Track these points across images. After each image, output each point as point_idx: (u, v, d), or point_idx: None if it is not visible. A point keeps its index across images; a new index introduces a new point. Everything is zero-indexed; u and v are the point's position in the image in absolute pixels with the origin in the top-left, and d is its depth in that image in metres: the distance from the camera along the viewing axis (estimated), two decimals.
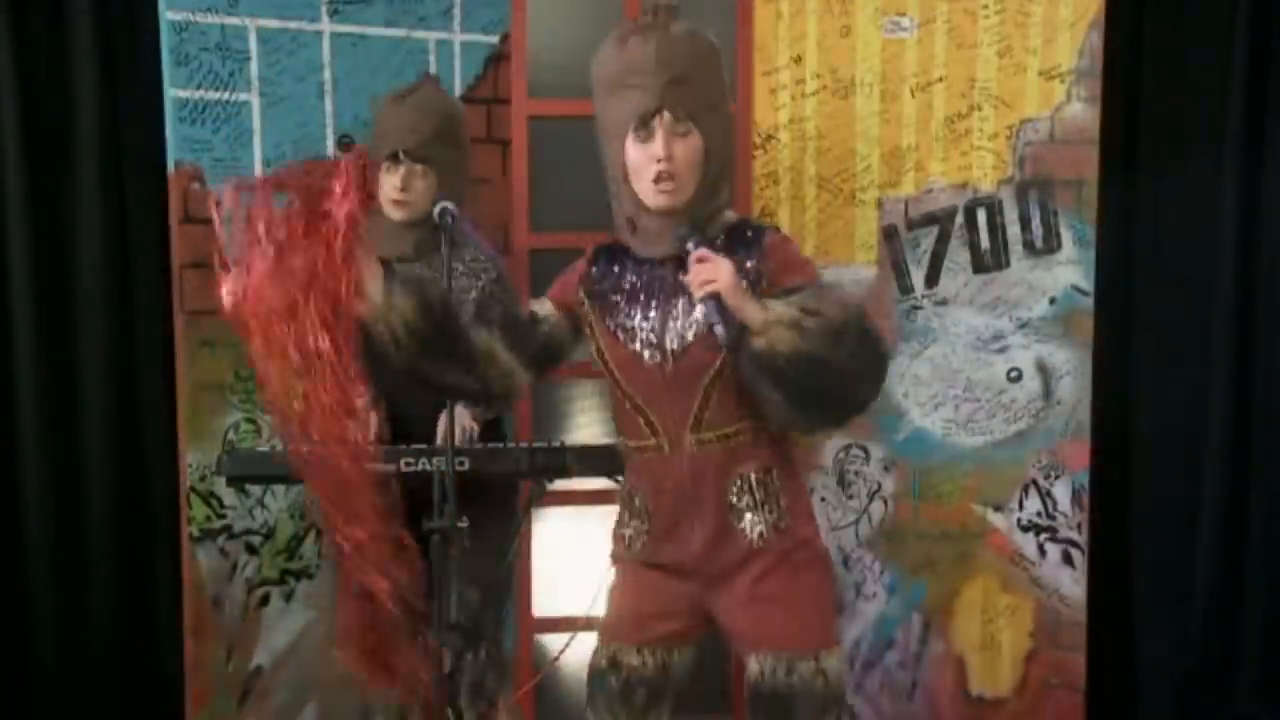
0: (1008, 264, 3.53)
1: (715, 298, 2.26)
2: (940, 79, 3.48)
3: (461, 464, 2.73)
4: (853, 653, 3.54)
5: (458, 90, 3.52)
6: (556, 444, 3.00)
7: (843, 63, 3.48)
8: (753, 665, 2.41)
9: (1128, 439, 3.83)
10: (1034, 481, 3.56)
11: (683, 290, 2.36)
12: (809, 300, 2.26)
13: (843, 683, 2.45)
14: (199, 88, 3.37)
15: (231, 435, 3.45)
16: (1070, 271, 3.52)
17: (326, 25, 3.47)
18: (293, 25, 3.44)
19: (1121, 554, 3.84)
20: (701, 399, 2.39)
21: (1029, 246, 3.53)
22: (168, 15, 3.33)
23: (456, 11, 3.55)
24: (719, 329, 2.26)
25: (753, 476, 2.42)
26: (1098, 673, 3.68)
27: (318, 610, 3.48)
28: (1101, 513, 3.67)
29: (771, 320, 2.23)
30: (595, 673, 2.53)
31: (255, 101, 3.42)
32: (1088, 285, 3.53)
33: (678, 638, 2.50)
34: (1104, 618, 3.71)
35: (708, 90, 2.40)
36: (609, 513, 3.48)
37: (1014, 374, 3.55)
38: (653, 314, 2.42)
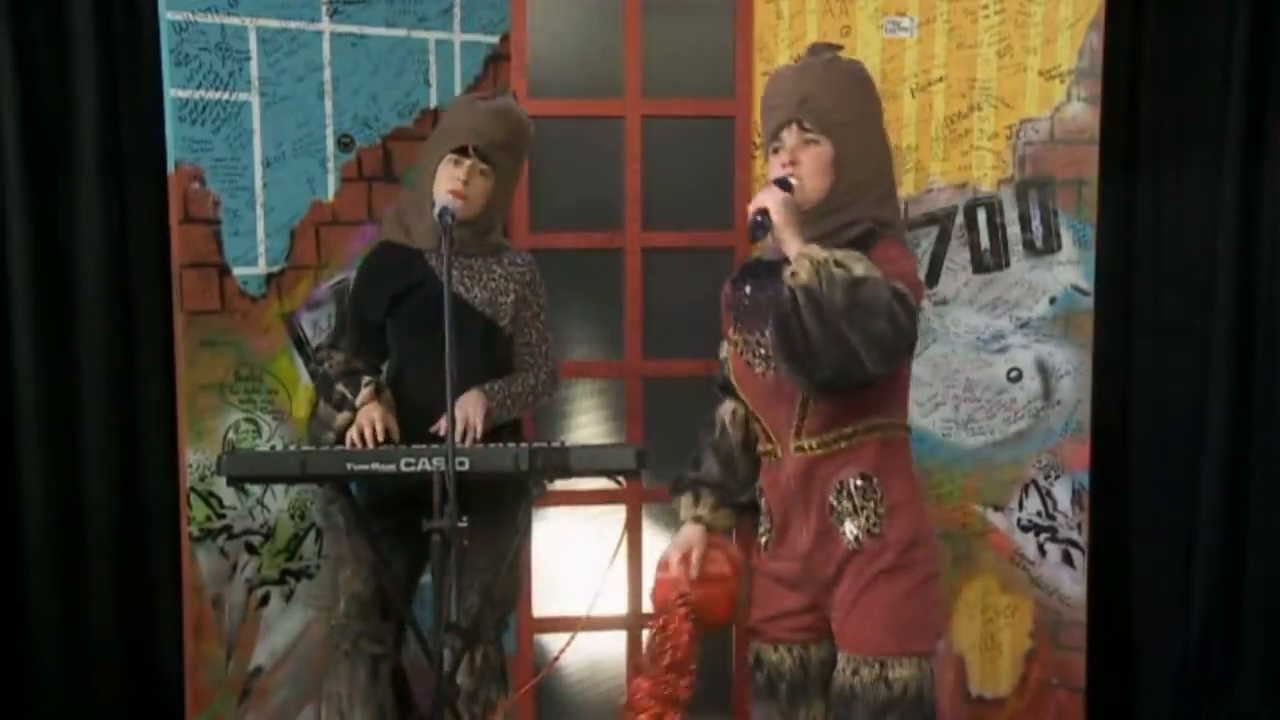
0: (1008, 264, 3.53)
1: (764, 213, 2.39)
2: (940, 79, 3.48)
3: (461, 464, 2.73)
4: None
5: (457, 90, 3.52)
6: (556, 444, 2.99)
7: None
8: (838, 662, 2.50)
9: (1128, 439, 3.83)
10: (1034, 481, 3.56)
11: None
12: (849, 256, 2.33)
13: (916, 694, 2.45)
14: (199, 88, 3.37)
15: (231, 435, 3.45)
16: (1070, 271, 3.52)
17: (326, 25, 3.47)
18: (293, 25, 3.44)
19: (1121, 554, 3.84)
20: (801, 406, 2.49)
21: (1029, 246, 3.53)
22: (168, 15, 3.33)
23: (456, 11, 3.56)
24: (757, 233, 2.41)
25: (853, 483, 2.48)
26: (1098, 673, 3.68)
27: (317, 610, 3.48)
28: (1101, 513, 3.67)
29: (803, 253, 2.33)
30: (749, 669, 2.67)
31: (255, 101, 3.42)
32: (1088, 285, 3.53)
33: (809, 633, 2.58)
34: (1104, 618, 3.71)
35: (842, 106, 2.53)
36: (609, 512, 3.51)
37: (1014, 374, 3.55)
38: (764, 325, 2.48)
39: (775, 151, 2.54)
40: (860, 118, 2.57)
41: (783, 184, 2.48)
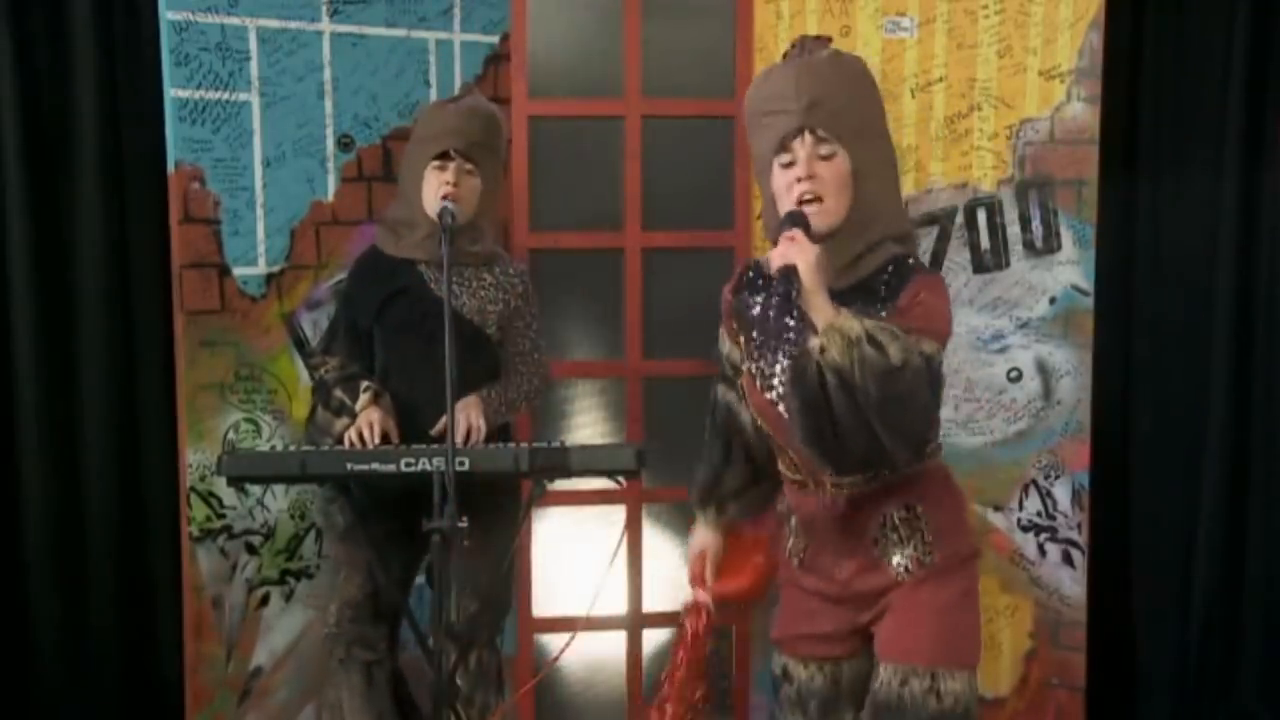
0: (1008, 264, 3.53)
1: (792, 272, 2.14)
2: (940, 79, 3.48)
3: (461, 464, 2.73)
4: None
5: (457, 90, 3.52)
6: (556, 444, 2.99)
7: None
8: (879, 673, 2.35)
9: (1128, 439, 3.83)
10: (1034, 481, 3.56)
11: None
12: (883, 332, 2.10)
13: (965, 712, 2.31)
14: (199, 88, 3.37)
15: (231, 435, 3.45)
16: (1070, 271, 3.52)
17: (326, 25, 3.47)
18: (293, 25, 3.44)
19: (1121, 554, 3.84)
20: None
21: (1029, 246, 3.53)
22: (168, 15, 3.33)
23: (456, 11, 3.56)
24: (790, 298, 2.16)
25: (896, 516, 2.34)
26: (1098, 673, 3.68)
27: (317, 610, 3.48)
28: (1101, 513, 3.67)
29: (836, 325, 2.10)
30: (775, 678, 2.56)
31: (255, 101, 3.42)
32: (1088, 285, 3.53)
33: (844, 650, 2.45)
34: (1104, 618, 3.71)
35: (855, 112, 2.30)
36: (609, 513, 3.51)
37: (1014, 374, 3.55)
38: (783, 357, 2.30)
39: (785, 166, 2.28)
40: (872, 121, 2.35)
41: (800, 219, 2.22)
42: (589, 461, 2.95)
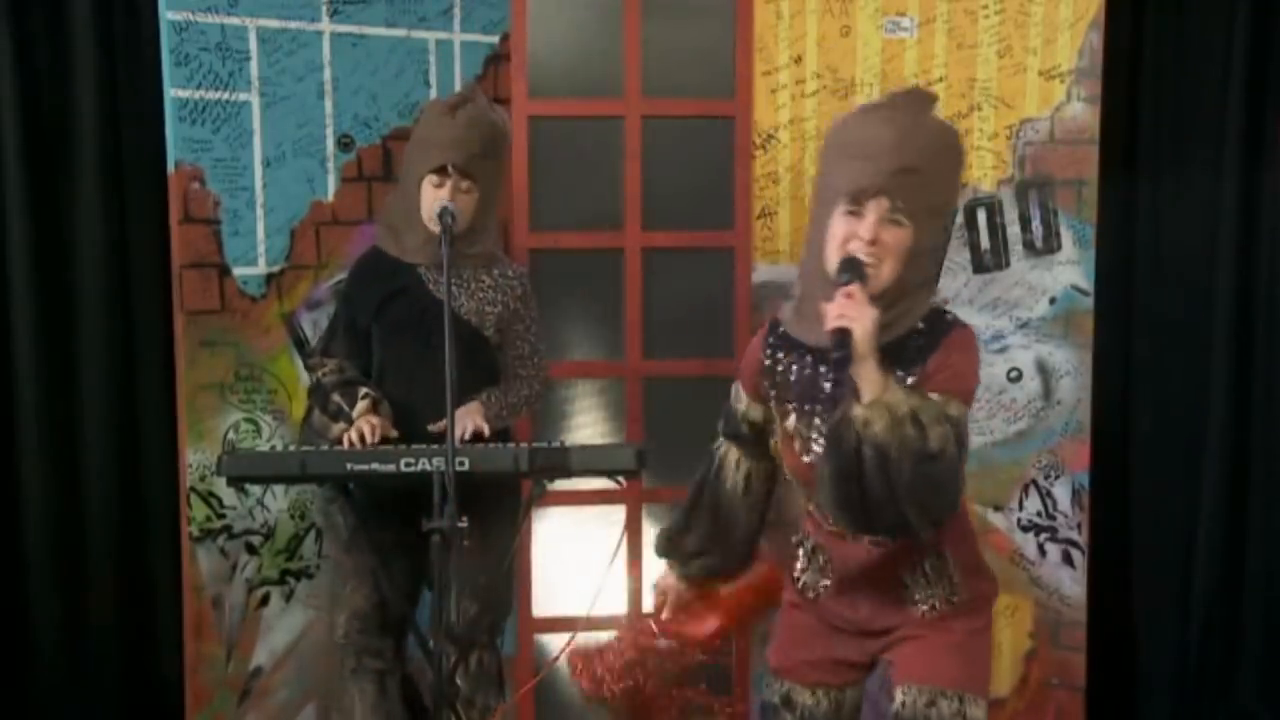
0: (1008, 264, 3.53)
1: (845, 334, 2.09)
2: (940, 79, 3.48)
3: (461, 464, 2.73)
4: None
5: (458, 88, 3.52)
6: (556, 444, 2.99)
7: (843, 63, 3.48)
8: (898, 696, 2.31)
9: (1128, 439, 3.83)
10: (1034, 481, 3.56)
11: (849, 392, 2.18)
12: (927, 414, 2.09)
13: None
14: (199, 88, 3.37)
15: (231, 435, 3.45)
16: (1070, 271, 3.52)
17: (326, 25, 3.47)
18: (293, 25, 3.44)
19: (1121, 554, 3.84)
20: None
21: (1029, 246, 3.53)
22: (168, 15, 3.33)
23: (456, 11, 3.56)
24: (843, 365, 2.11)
25: (925, 564, 2.33)
26: (1098, 673, 3.68)
27: (317, 610, 3.48)
28: (1101, 513, 3.67)
29: (884, 401, 2.08)
30: (768, 708, 2.51)
31: (255, 101, 3.42)
32: (1088, 285, 3.53)
33: (851, 679, 2.45)
34: (1104, 618, 3.71)
35: (937, 190, 2.25)
36: (609, 513, 3.51)
37: (1014, 374, 3.55)
38: (818, 421, 2.27)
39: (850, 215, 2.20)
40: (949, 200, 2.31)
41: (858, 268, 2.16)
42: (589, 461, 2.95)
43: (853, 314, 2.10)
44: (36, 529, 3.54)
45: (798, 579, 2.47)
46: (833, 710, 2.46)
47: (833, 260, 2.21)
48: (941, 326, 2.26)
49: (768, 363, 2.38)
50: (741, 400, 2.47)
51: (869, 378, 2.10)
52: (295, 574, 3.52)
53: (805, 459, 2.31)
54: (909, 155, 2.18)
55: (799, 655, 2.48)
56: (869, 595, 2.37)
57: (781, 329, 2.38)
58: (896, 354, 2.21)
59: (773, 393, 2.38)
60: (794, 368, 2.33)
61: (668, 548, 2.61)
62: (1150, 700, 3.84)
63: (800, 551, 2.47)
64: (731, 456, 2.52)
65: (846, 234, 2.20)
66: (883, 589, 2.36)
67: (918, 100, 2.28)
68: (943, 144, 2.27)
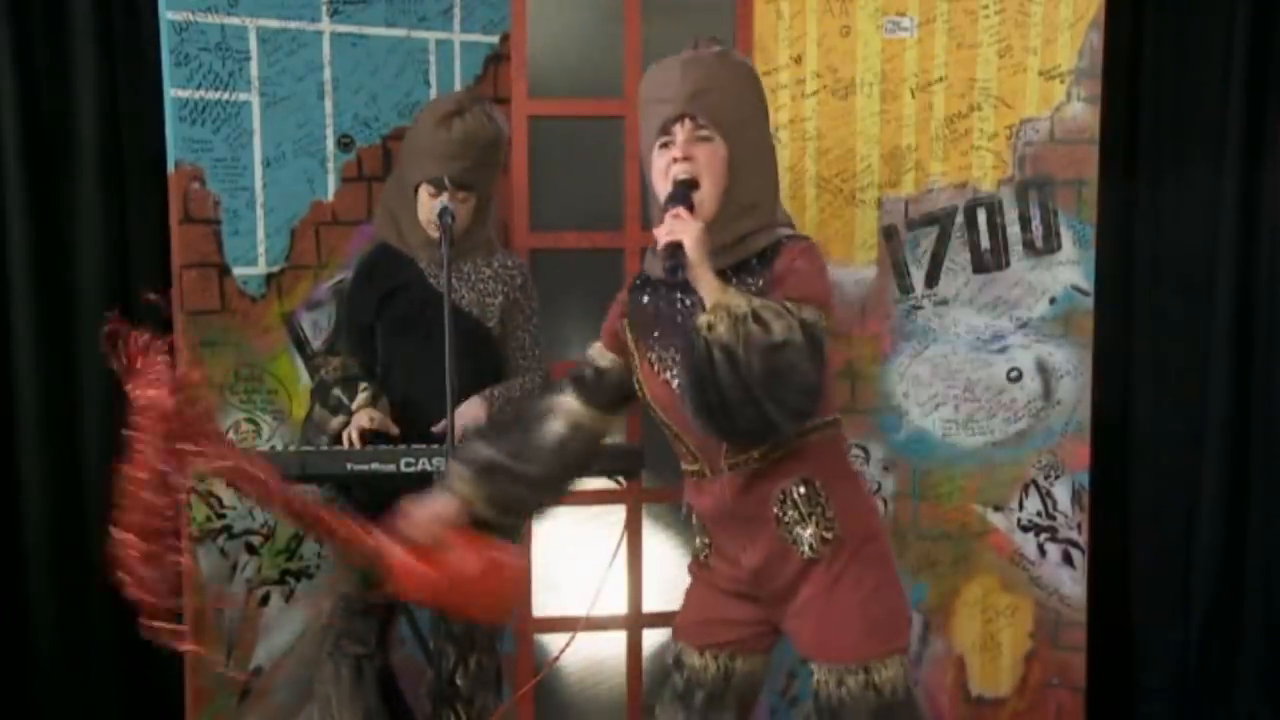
0: (1008, 264, 3.53)
1: (678, 249, 2.20)
2: (940, 79, 3.48)
3: None
4: None
5: (458, 86, 3.52)
6: None
7: (843, 63, 3.48)
8: (815, 674, 2.38)
9: (1128, 439, 3.83)
10: (1034, 481, 3.56)
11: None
12: (768, 310, 2.16)
13: (905, 692, 2.36)
14: (199, 88, 3.37)
15: (231, 435, 3.45)
16: (1070, 271, 3.52)
17: (326, 25, 3.47)
18: (293, 25, 3.44)
19: (1121, 554, 3.84)
20: None
21: (1029, 246, 3.53)
22: (168, 15, 3.33)
23: (456, 11, 3.56)
24: (676, 273, 2.20)
25: (795, 491, 2.36)
26: (1098, 673, 3.68)
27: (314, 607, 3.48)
28: (1101, 513, 3.67)
29: (724, 303, 2.16)
30: (664, 668, 2.58)
31: (255, 101, 3.42)
32: (1088, 285, 3.52)
33: (743, 646, 2.49)
34: (1104, 618, 3.71)
35: (735, 106, 2.37)
36: (609, 512, 3.51)
37: (1014, 374, 3.55)
38: (679, 341, 2.33)
39: (664, 146, 2.35)
40: (752, 116, 2.42)
41: (683, 195, 2.28)
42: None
43: (679, 229, 2.22)
44: (36, 529, 3.54)
45: (694, 550, 2.55)
46: (721, 678, 2.48)
47: (662, 193, 2.34)
48: (777, 246, 2.36)
49: (632, 309, 2.47)
50: (594, 348, 2.56)
51: (707, 282, 2.20)
52: (295, 574, 3.52)
53: (664, 377, 2.40)
54: (699, 79, 2.34)
55: (690, 616, 2.54)
56: (748, 540, 2.40)
57: (642, 274, 2.49)
58: (743, 270, 2.34)
59: (636, 337, 2.46)
60: (654, 305, 2.43)
61: (465, 447, 2.53)
62: (1150, 700, 3.83)
63: (691, 520, 2.53)
64: (567, 399, 2.53)
65: (666, 164, 2.34)
66: (757, 532, 2.39)
67: (702, 42, 2.43)
68: (728, 67, 2.41)
